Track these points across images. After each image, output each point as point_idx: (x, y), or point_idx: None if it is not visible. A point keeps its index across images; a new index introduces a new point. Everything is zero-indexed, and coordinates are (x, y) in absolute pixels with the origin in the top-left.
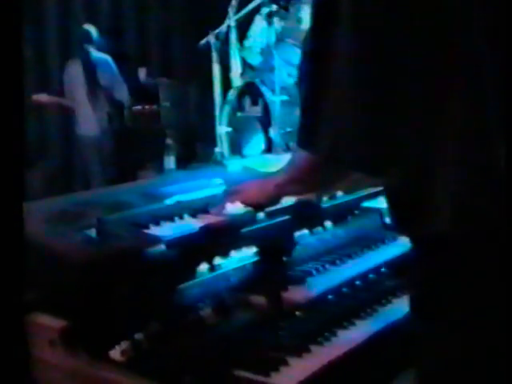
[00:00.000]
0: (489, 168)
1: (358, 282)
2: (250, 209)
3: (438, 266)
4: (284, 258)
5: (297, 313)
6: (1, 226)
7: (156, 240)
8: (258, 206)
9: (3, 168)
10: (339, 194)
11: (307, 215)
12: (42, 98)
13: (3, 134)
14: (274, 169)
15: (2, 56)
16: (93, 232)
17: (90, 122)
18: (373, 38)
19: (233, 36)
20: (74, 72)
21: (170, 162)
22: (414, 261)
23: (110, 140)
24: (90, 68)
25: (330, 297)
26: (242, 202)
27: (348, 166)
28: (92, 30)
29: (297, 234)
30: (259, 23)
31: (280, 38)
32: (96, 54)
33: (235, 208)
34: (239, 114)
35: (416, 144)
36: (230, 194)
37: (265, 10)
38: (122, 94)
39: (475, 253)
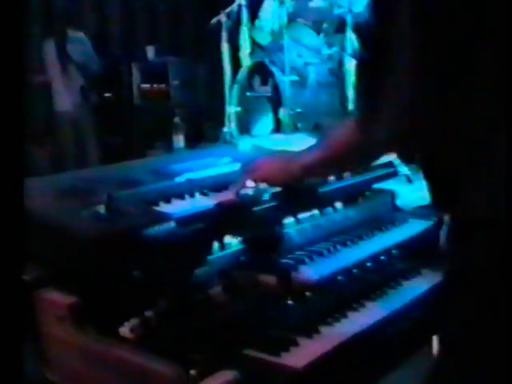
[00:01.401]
0: None
1: (368, 264)
2: (267, 185)
3: (478, 247)
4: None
5: (307, 293)
6: (1, 202)
7: (166, 217)
8: (278, 185)
9: (3, 143)
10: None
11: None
12: None
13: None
14: (282, 148)
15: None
16: (102, 208)
17: (64, 98)
18: (437, 24)
19: (244, 15)
20: (49, 51)
21: (178, 141)
22: (453, 238)
23: (86, 114)
24: (62, 46)
25: (340, 278)
26: (263, 179)
27: (404, 148)
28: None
29: (306, 214)
30: (270, 2)
31: (291, 18)
32: (71, 32)
33: (254, 185)
34: (248, 93)
35: (477, 132)
36: (248, 172)
37: None
38: (96, 67)
39: None
